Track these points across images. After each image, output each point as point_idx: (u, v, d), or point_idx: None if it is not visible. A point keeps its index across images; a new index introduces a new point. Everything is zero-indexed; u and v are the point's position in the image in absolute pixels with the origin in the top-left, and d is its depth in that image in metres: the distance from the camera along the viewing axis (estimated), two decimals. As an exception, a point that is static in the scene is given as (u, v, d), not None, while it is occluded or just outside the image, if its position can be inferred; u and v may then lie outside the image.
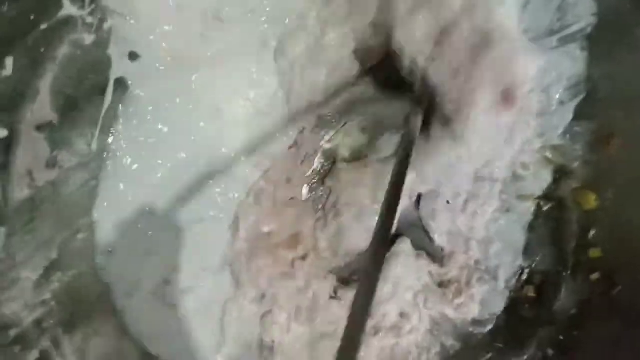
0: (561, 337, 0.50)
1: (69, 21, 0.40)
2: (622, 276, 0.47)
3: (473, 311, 0.52)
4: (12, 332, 0.40)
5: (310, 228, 0.51)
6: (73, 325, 0.43)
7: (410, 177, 0.44)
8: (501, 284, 0.53)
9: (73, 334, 0.43)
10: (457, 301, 0.52)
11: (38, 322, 0.42)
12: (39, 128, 0.41)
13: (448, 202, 0.52)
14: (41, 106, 0.41)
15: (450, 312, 0.53)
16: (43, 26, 0.39)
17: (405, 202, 0.52)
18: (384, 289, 0.50)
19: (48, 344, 0.42)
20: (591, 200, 0.50)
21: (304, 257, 0.51)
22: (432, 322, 0.52)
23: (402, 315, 0.51)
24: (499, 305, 0.52)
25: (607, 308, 0.48)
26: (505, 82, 0.48)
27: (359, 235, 0.50)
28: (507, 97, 0.48)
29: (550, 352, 0.50)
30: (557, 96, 0.50)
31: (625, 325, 0.46)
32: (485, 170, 0.51)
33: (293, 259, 0.51)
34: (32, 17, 0.38)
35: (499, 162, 0.51)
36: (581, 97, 0.49)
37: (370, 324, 0.50)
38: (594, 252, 0.50)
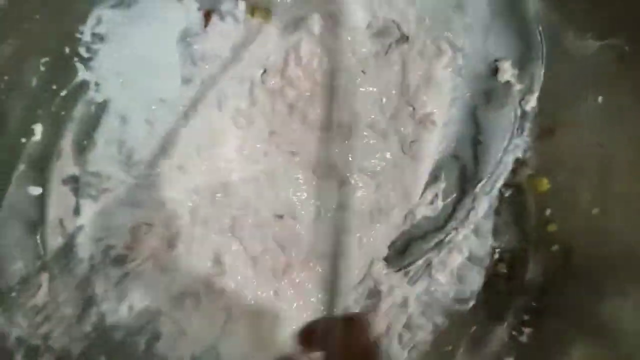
0: (534, 304, 0.53)
1: (83, 84, 0.44)
2: (577, 244, 0.52)
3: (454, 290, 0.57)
4: None
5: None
6: (114, 352, 0.47)
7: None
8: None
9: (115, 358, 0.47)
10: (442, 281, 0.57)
11: (84, 354, 0.45)
12: (64, 181, 0.44)
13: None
14: (65, 162, 0.44)
15: (438, 294, 0.58)
16: (63, 93, 0.42)
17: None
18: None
19: (94, 372, 0.45)
20: (544, 184, 0.55)
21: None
22: (424, 304, 0.57)
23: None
24: (477, 283, 0.56)
25: (568, 274, 0.52)
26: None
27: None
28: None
29: (526, 317, 0.53)
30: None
31: (585, 286, 0.51)
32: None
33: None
34: (54, 87, 0.42)
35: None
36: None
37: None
38: (551, 227, 0.54)
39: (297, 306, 0.55)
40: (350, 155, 0.55)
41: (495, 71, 0.55)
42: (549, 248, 0.54)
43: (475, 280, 0.57)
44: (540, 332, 0.52)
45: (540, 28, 0.52)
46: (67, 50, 0.41)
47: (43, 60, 0.40)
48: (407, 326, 0.57)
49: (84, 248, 0.46)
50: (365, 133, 0.56)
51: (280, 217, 0.54)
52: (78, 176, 0.45)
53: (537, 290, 0.54)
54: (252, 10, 0.51)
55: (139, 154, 0.47)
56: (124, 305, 0.47)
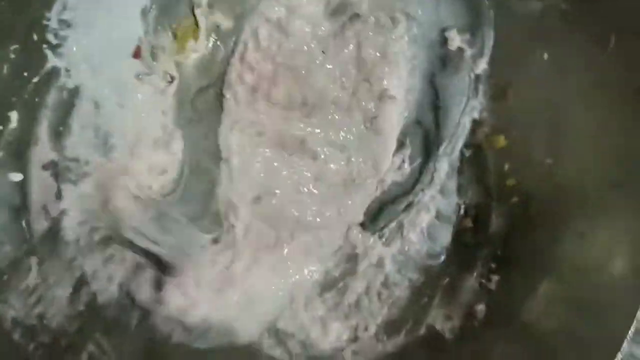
0: (499, 253, 0.56)
1: (53, 71, 0.44)
2: (535, 194, 0.54)
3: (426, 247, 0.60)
4: (63, 342, 0.45)
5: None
6: (108, 328, 0.48)
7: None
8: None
9: (110, 335, 0.48)
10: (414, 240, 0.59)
11: (80, 330, 0.46)
12: (44, 167, 0.45)
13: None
14: (43, 148, 0.44)
15: (411, 252, 0.60)
16: (35, 79, 0.43)
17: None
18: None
19: (92, 347, 0.46)
20: (501, 141, 0.57)
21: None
22: (399, 263, 0.59)
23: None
24: (446, 239, 0.59)
25: (528, 222, 0.55)
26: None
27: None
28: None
29: (493, 266, 0.56)
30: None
31: (544, 231, 0.53)
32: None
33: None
34: (25, 74, 0.42)
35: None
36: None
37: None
38: (510, 181, 0.56)
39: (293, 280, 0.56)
40: (318, 130, 0.57)
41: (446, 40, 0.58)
42: (510, 200, 0.56)
43: (445, 236, 0.59)
44: (507, 278, 0.55)
45: (487, -9, 0.54)
46: (35, 37, 0.41)
47: (12, 47, 0.40)
48: (385, 284, 0.59)
49: (70, 231, 0.46)
50: (330, 110, 0.57)
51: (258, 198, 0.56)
52: (57, 162, 0.45)
53: (502, 240, 0.56)
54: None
55: (114, 137, 0.48)
56: (114, 284, 0.48)
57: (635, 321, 0.43)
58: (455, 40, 0.57)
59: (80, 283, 0.47)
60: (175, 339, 0.51)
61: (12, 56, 0.40)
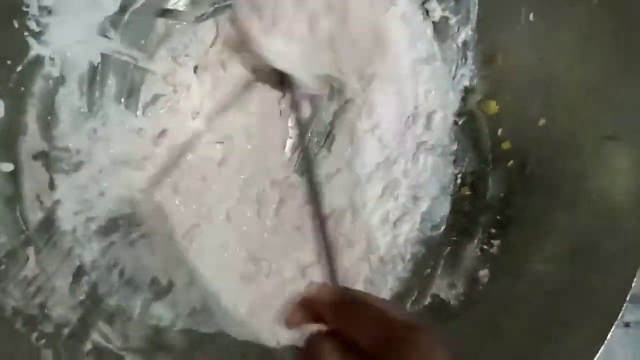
0: (498, 217, 0.56)
1: (38, 59, 0.43)
2: (530, 156, 0.54)
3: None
4: (66, 331, 0.44)
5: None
6: (111, 317, 0.47)
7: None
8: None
9: (114, 323, 0.47)
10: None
11: (83, 319, 0.45)
12: (35, 157, 0.44)
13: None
14: (33, 138, 0.44)
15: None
16: (19, 69, 0.42)
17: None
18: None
19: (96, 335, 0.45)
20: (493, 106, 0.57)
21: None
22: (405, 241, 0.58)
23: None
24: (445, 209, 0.59)
25: (525, 185, 0.55)
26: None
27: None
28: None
29: (493, 231, 0.55)
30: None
31: (542, 193, 0.53)
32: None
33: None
34: (9, 63, 0.41)
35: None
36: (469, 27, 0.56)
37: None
38: (505, 145, 0.56)
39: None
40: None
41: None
42: (506, 164, 0.56)
43: (444, 206, 0.59)
44: (508, 242, 0.55)
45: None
46: (16, 24, 0.40)
47: (-7, 34, 0.40)
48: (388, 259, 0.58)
49: (66, 221, 0.46)
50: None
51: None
52: (48, 152, 0.44)
53: (500, 205, 0.56)
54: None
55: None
56: (115, 273, 0.48)
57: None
58: (437, 10, 0.56)
59: (80, 273, 0.46)
60: (180, 325, 0.50)
61: (-7, 43, 0.39)
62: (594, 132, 0.49)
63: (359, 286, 0.56)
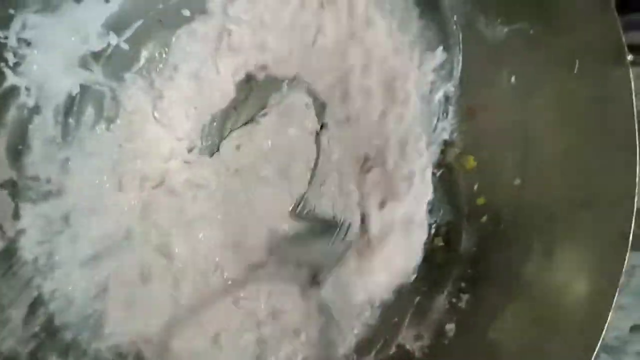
0: (469, 271, 0.55)
1: (12, 89, 0.42)
2: (503, 214, 0.54)
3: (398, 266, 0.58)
4: None
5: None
6: (65, 351, 0.46)
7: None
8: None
9: (67, 357, 0.45)
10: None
11: (33, 354, 0.43)
12: (2, 186, 0.43)
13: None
14: (1, 167, 0.42)
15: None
16: (-7, 99, 0.41)
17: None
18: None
19: (48, 369, 0.44)
20: (471, 161, 0.57)
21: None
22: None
23: None
24: (417, 258, 0.58)
25: (497, 241, 0.54)
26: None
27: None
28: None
29: (463, 285, 0.55)
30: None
31: (513, 251, 0.52)
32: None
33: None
34: (-18, 93, 0.40)
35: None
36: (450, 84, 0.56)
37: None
38: (480, 200, 0.56)
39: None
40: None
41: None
42: (480, 219, 0.55)
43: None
44: (477, 297, 0.54)
45: (455, 17, 0.54)
46: (-9, 54, 0.40)
47: (-32, 66, 0.39)
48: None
49: (28, 251, 0.44)
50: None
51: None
52: (16, 180, 0.43)
53: (472, 259, 0.55)
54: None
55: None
56: (74, 304, 0.46)
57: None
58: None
59: (37, 303, 0.44)
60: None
61: (-32, 75, 0.38)
62: (567, 198, 0.49)
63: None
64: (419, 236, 0.56)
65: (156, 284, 0.49)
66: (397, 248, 0.55)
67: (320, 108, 0.57)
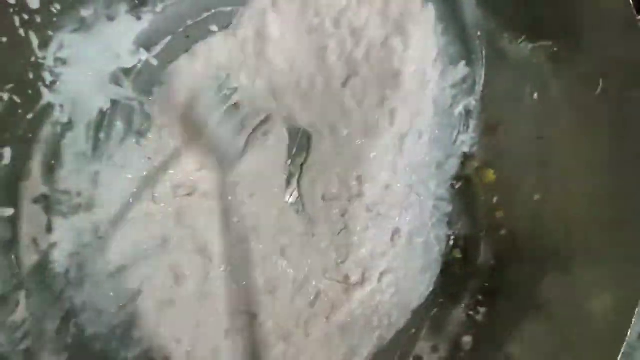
0: (486, 284, 0.55)
1: (48, 107, 0.43)
2: (522, 228, 0.54)
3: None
4: None
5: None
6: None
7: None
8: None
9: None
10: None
11: (68, 364, 0.44)
12: (35, 201, 0.44)
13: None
14: (35, 182, 0.43)
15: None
16: (29, 116, 0.42)
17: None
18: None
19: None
20: (490, 175, 0.57)
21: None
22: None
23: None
24: (435, 270, 0.58)
25: (515, 255, 0.54)
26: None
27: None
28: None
29: (480, 298, 0.55)
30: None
31: (530, 265, 0.52)
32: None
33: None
34: (20, 111, 0.41)
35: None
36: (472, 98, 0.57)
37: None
38: (499, 214, 0.56)
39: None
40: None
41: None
42: (498, 233, 0.55)
43: (434, 267, 0.59)
44: (494, 310, 0.54)
45: (479, 33, 0.54)
46: (31, 76, 0.40)
47: (8, 87, 0.39)
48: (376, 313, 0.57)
49: (60, 263, 0.45)
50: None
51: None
52: (48, 195, 0.44)
53: (489, 272, 0.56)
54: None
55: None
56: (104, 315, 0.47)
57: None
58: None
59: (69, 315, 0.45)
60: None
61: (7, 95, 0.39)
62: (585, 218, 0.49)
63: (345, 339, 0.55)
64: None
65: (191, 285, 0.50)
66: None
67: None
